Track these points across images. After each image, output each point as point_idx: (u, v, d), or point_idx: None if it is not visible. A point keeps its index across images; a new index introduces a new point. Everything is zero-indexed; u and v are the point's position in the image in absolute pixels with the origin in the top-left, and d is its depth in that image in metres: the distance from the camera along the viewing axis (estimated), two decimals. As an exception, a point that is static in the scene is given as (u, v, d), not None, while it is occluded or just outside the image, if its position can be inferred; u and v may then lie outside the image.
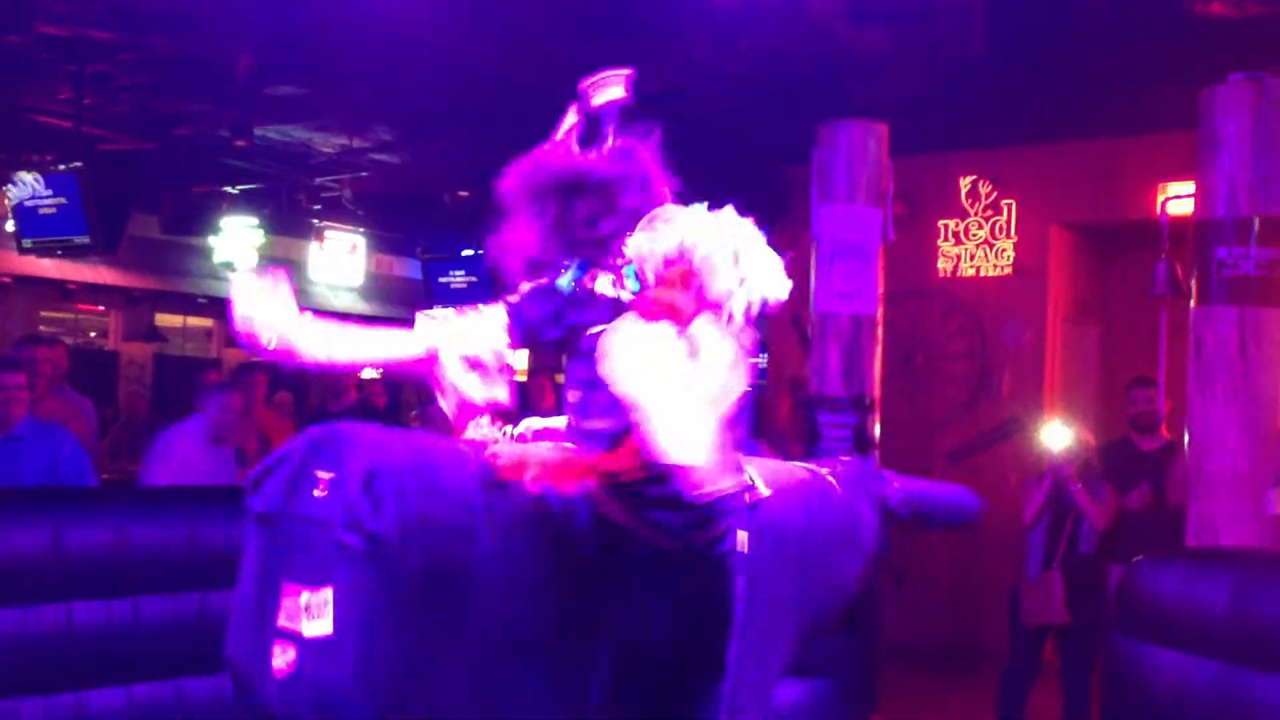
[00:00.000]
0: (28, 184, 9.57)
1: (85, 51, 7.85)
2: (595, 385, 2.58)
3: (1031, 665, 5.39)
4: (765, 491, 2.89)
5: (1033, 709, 5.41)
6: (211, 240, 12.87)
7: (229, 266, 13.45)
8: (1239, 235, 5.02)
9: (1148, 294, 6.47)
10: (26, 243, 10.04)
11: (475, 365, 2.74)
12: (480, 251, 13.41)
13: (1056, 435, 5.36)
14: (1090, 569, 5.33)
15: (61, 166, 9.26)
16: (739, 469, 2.74)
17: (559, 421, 2.91)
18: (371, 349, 2.86)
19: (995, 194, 8.48)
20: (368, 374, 8.93)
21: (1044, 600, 5.23)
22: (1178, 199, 6.83)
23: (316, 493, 2.50)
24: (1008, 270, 8.43)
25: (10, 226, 10.48)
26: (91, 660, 3.48)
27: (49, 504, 3.65)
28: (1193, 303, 5.23)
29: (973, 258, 8.56)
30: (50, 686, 3.41)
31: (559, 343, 2.85)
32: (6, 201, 10.22)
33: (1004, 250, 8.46)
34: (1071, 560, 5.27)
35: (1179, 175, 6.80)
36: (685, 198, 2.78)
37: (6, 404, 4.68)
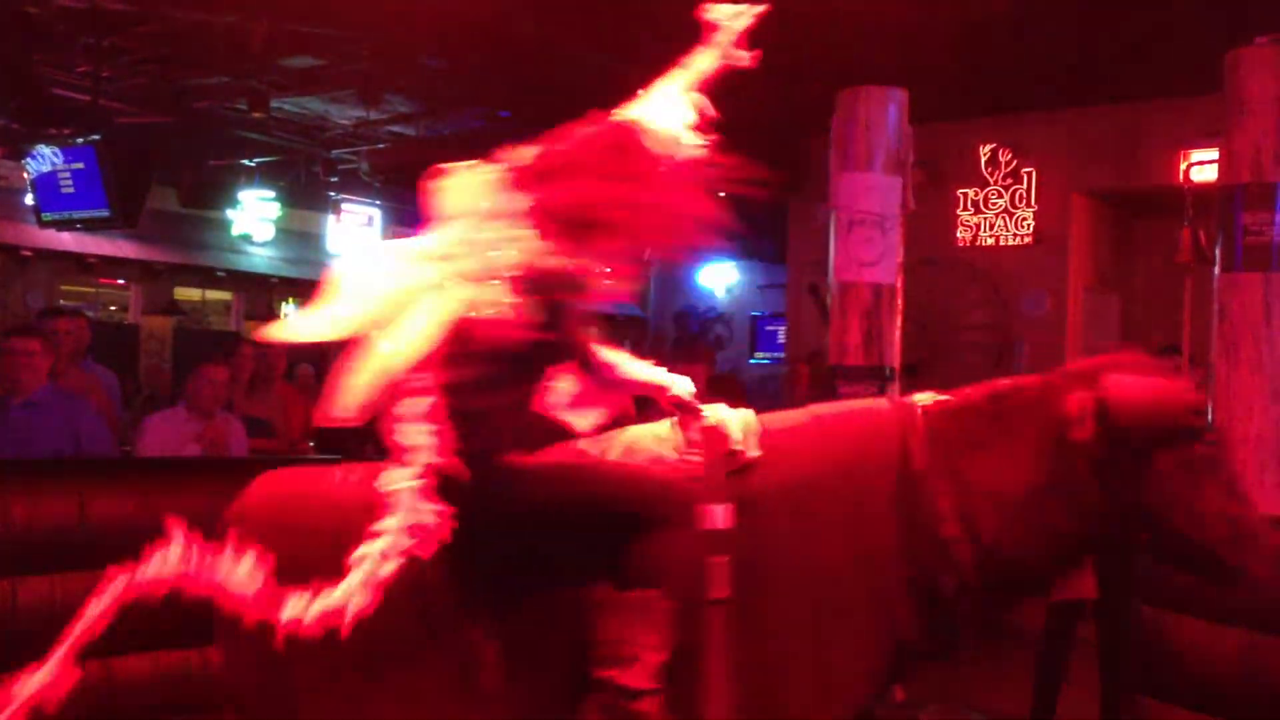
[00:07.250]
0: (46, 157, 9.58)
1: (102, 23, 7.84)
2: None
3: (1066, 641, 5.32)
4: None
5: (1071, 684, 5.37)
6: (230, 213, 12.90)
7: (247, 239, 13.47)
8: (1264, 201, 4.98)
9: (1170, 262, 6.41)
10: (46, 216, 10.06)
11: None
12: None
13: None
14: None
15: (80, 140, 9.25)
16: None
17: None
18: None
19: (1015, 162, 8.41)
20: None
21: (1073, 577, 5.15)
22: (1201, 165, 6.76)
23: None
24: (1028, 239, 8.38)
25: (30, 200, 10.50)
26: (121, 628, 3.50)
27: (75, 474, 3.67)
28: (1217, 270, 5.18)
29: (992, 226, 8.50)
30: (80, 653, 3.44)
31: None
32: (26, 175, 10.23)
33: (1024, 219, 8.40)
34: None
35: (1202, 141, 6.72)
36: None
37: (16, 369, 4.59)
